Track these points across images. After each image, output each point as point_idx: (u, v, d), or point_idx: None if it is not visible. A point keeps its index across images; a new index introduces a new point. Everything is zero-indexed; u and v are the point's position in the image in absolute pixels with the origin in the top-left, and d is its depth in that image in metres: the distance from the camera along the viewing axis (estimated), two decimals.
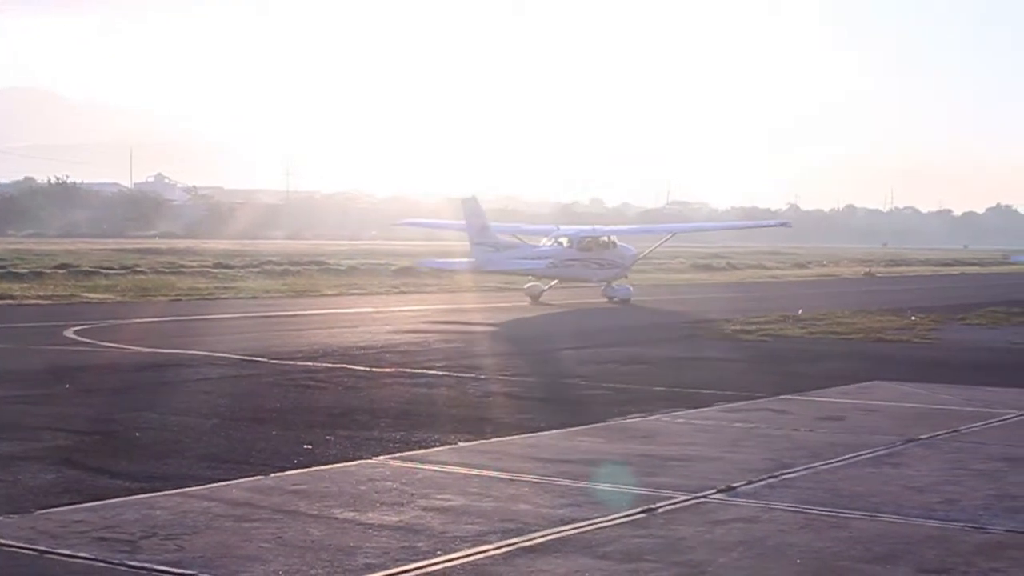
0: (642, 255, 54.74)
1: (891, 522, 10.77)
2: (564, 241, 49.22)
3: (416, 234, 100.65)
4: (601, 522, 10.57)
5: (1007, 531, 10.51)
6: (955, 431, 16.07)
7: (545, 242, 49.78)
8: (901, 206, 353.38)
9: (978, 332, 34.91)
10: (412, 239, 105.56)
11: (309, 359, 24.29)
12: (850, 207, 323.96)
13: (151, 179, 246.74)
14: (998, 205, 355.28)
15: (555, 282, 49.40)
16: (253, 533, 10.06)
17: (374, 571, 9.03)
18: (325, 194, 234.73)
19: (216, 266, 65.62)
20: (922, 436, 15.58)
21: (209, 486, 11.98)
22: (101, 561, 9.20)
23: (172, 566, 9.08)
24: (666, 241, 58.66)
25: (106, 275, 55.69)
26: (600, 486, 12.11)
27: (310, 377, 21.40)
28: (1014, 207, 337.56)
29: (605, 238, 50.41)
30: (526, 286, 49.09)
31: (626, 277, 50.92)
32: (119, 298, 44.80)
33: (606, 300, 48.21)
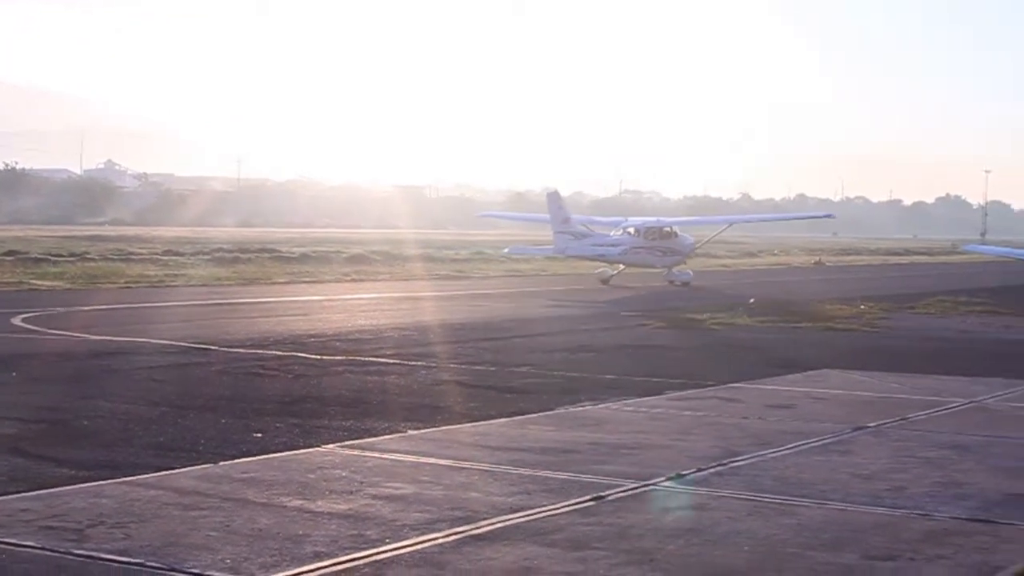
0: (699, 244, 58.94)
1: (839, 509, 10.84)
2: (631, 231, 54.76)
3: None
4: (550, 510, 10.58)
5: (953, 518, 10.59)
6: (903, 419, 16.18)
7: (615, 232, 55.17)
8: (852, 196, 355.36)
9: (927, 320, 35.15)
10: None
11: (259, 347, 24.21)
12: (801, 196, 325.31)
13: (101, 166, 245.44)
14: (947, 195, 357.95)
15: (622, 267, 54.32)
16: (201, 522, 10.01)
17: (322, 559, 9.00)
18: (276, 182, 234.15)
19: (166, 253, 65.33)
20: (870, 424, 15.67)
21: (157, 474, 11.92)
22: (47, 550, 9.13)
23: (119, 555, 9.02)
24: (724, 231, 63.37)
25: (55, 262, 55.35)
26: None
27: (260, 365, 21.33)
28: (963, 197, 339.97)
29: (668, 228, 55.67)
30: (597, 271, 54.39)
31: (685, 263, 56.05)
32: (68, 285, 44.45)
33: (668, 283, 52.85)
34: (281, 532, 9.72)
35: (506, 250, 66.86)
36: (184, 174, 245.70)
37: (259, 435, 14.48)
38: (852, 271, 79.05)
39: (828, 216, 79.75)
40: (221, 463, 12.53)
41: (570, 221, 53.91)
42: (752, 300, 40.56)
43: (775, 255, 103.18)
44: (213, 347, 24.06)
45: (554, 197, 54.27)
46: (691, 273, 54.95)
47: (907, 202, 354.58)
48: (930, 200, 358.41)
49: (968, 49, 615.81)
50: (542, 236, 67.35)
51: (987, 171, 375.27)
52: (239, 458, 12.86)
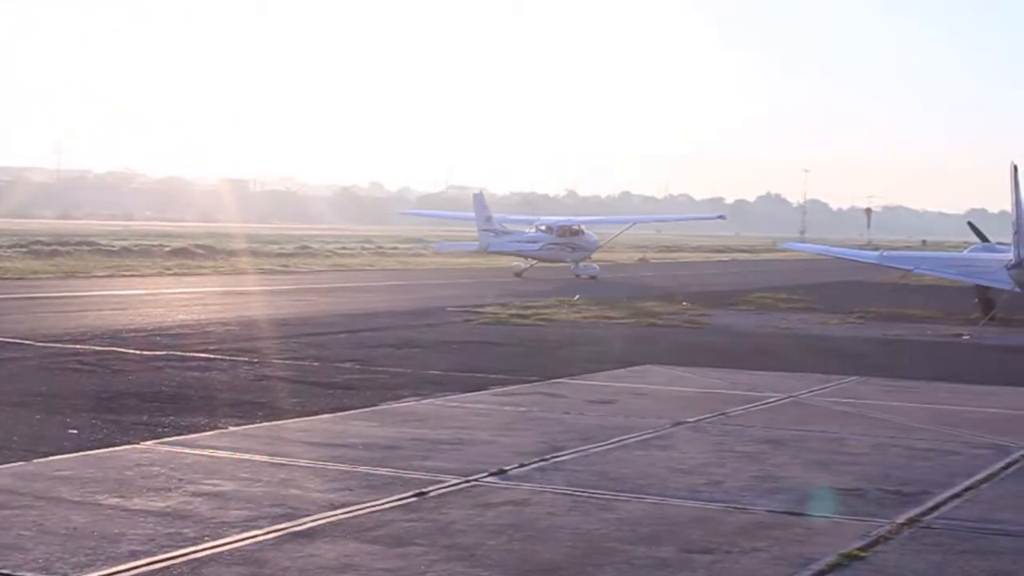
0: (603, 242, 65.24)
1: (657, 504, 10.97)
2: (543, 228, 61.09)
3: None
4: (372, 506, 10.54)
5: (768, 511, 10.79)
6: (722, 414, 16.45)
7: (529, 230, 61.74)
8: (675, 194, 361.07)
9: (747, 317, 35.78)
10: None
11: (77, 342, 23.71)
12: (626, 194, 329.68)
13: None
14: (768, 194, 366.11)
15: (535, 262, 60.05)
16: (13, 521, 9.76)
17: (139, 558, 8.84)
18: (98, 173, 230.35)
19: None
20: (690, 419, 15.90)
21: None
22: None
23: None
24: (627, 230, 69.93)
25: None
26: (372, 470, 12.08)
27: (77, 360, 20.89)
28: (783, 196, 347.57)
29: (576, 226, 62.02)
30: (512, 264, 60.60)
31: (590, 259, 61.71)
32: None
33: (574, 277, 57.59)
34: (96, 531, 9.53)
35: (435, 246, 76.00)
36: None
37: (75, 432, 14.18)
38: (675, 268, 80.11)
39: (720, 217, 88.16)
40: (35, 461, 12.23)
41: (492, 220, 59.91)
42: (577, 296, 40.89)
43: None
44: (28, 342, 23.49)
45: (479, 199, 60.60)
46: (597, 267, 60.89)
47: (729, 200, 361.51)
48: (751, 199, 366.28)
49: (789, 50, 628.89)
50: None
51: (806, 170, 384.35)
52: (54, 455, 12.56)
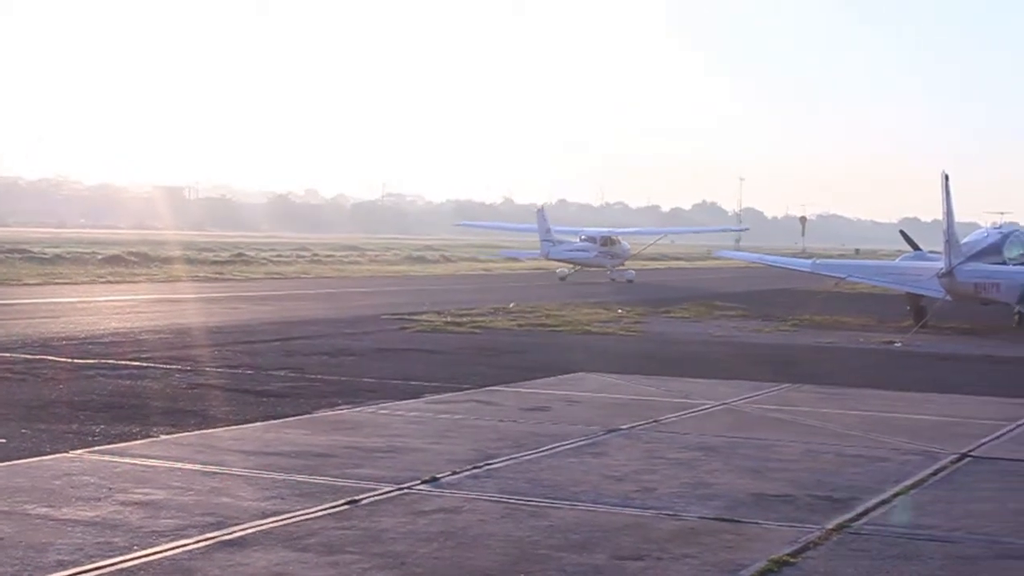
0: (634, 251, 74.09)
1: (589, 510, 11.00)
2: (584, 238, 70.56)
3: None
4: (304, 514, 10.51)
5: (700, 518, 10.85)
6: (655, 421, 16.52)
7: (576, 239, 71.20)
8: (612, 202, 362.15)
9: (681, 325, 35.90)
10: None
11: (6, 350, 23.47)
12: (562, 201, 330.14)
13: None
14: (704, 202, 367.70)
15: (578, 268, 68.05)
16: None
17: (67, 568, 8.78)
18: (29, 180, 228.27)
19: None
20: (623, 426, 15.96)
21: None
22: None
23: None
24: (659, 240, 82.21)
25: None
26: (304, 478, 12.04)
27: (7, 368, 20.68)
28: (719, 204, 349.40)
29: (615, 237, 70.86)
30: (557, 270, 67.98)
31: (623, 265, 69.78)
32: None
33: (610, 281, 65.27)
34: (24, 540, 9.45)
35: (498, 253, 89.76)
36: None
37: (3, 441, 14.04)
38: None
39: (744, 229, 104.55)
40: None
41: (551, 231, 68.93)
42: (512, 304, 40.92)
43: (536, 259, 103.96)
44: None
45: (541, 213, 69.45)
46: (633, 272, 68.55)
47: (665, 208, 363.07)
48: (687, 207, 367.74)
49: (725, 59, 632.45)
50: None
51: (742, 179, 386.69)
52: None
